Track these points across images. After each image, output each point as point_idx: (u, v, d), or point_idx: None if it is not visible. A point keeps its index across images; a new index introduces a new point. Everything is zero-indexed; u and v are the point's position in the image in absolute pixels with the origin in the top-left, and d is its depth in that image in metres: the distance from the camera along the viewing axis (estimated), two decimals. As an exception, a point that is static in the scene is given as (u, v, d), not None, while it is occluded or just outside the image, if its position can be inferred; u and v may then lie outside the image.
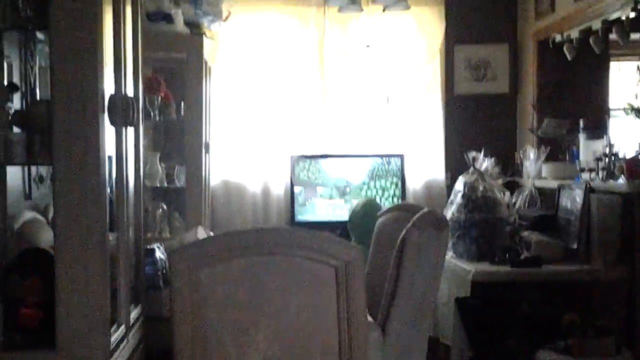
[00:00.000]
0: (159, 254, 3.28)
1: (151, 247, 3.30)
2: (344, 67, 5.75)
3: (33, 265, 2.51)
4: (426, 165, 5.77)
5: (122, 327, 2.62)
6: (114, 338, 2.47)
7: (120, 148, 2.70)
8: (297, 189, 5.56)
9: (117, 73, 2.66)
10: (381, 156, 5.66)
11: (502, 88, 5.92)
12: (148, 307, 3.13)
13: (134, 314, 2.85)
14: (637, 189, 4.17)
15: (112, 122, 2.52)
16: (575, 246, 4.46)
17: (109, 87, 2.51)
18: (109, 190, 2.54)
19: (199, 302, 2.33)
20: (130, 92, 2.86)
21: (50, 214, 3.07)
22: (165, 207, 4.87)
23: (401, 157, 5.65)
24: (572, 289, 4.47)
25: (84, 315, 2.31)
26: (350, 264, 2.38)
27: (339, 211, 5.51)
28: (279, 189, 5.66)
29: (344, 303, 2.41)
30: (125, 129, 2.74)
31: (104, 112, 2.38)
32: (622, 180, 4.31)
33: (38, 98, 3.20)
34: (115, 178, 2.71)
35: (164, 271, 3.23)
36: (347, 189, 5.57)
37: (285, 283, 2.37)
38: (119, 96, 2.60)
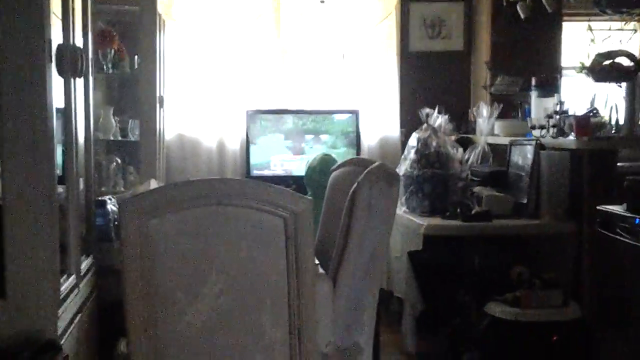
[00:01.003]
0: (111, 205, 3.28)
1: (102, 199, 3.30)
2: (300, 24, 5.73)
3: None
4: (381, 122, 5.80)
5: (73, 277, 2.62)
6: (64, 287, 2.47)
7: (69, 99, 2.67)
8: (252, 145, 5.56)
9: (65, 23, 2.62)
10: (337, 112, 5.67)
11: (456, 46, 5.96)
12: (99, 259, 3.13)
13: (84, 265, 2.85)
14: (585, 146, 4.24)
15: (60, 73, 2.49)
16: (525, 201, 4.54)
17: (56, 38, 2.48)
18: (57, 142, 2.52)
19: (149, 252, 2.34)
20: (79, 43, 2.83)
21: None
22: (119, 160, 4.86)
23: (356, 112, 5.67)
24: (522, 244, 4.56)
25: (33, 265, 2.30)
26: (299, 215, 2.40)
27: (295, 167, 5.53)
28: (234, 144, 5.66)
29: (292, 254, 2.44)
30: (74, 80, 2.71)
31: (51, 61, 2.35)
32: (571, 137, 4.38)
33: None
34: (64, 130, 2.69)
35: (116, 223, 3.23)
36: (303, 145, 5.59)
37: (234, 234, 2.39)
38: (67, 46, 2.57)
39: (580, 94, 5.33)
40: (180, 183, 2.47)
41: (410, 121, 5.54)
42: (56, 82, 2.44)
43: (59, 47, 2.46)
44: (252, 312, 2.44)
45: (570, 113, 4.57)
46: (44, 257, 2.32)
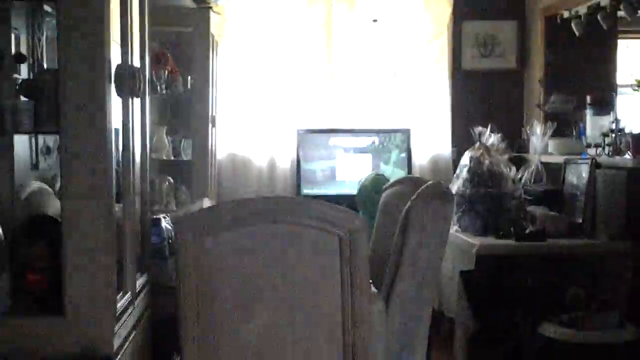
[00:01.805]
0: (165, 224, 3.31)
1: (157, 217, 3.33)
2: (352, 43, 5.74)
3: (40, 231, 2.54)
4: (432, 140, 5.78)
5: (128, 294, 2.65)
6: (120, 305, 2.49)
7: (126, 118, 2.71)
8: (304, 164, 5.57)
9: (123, 44, 2.67)
10: (388, 131, 5.66)
11: (509, 64, 5.92)
12: (154, 276, 3.16)
13: (140, 283, 2.87)
14: (642, 165, 4.18)
15: (119, 93, 2.53)
16: (580, 220, 4.48)
17: (115, 58, 2.52)
18: (115, 161, 2.56)
19: (204, 269, 2.35)
20: (136, 63, 2.87)
21: (57, 185, 3.10)
22: (171, 180, 4.90)
23: (407, 131, 5.65)
24: (577, 263, 4.49)
25: (91, 282, 2.33)
26: (354, 233, 2.39)
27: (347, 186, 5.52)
28: (285, 163, 5.68)
29: (347, 272, 2.42)
30: (132, 100, 2.75)
31: (110, 81, 2.39)
32: (628, 155, 4.32)
33: (45, 68, 3.21)
34: (122, 149, 2.73)
35: (170, 241, 3.26)
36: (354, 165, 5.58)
37: (289, 252, 2.39)
38: (125, 66, 2.61)
39: (636, 112, 5.24)
40: (237, 201, 2.49)
41: (461, 140, 5.51)
42: (115, 102, 2.48)
43: (118, 67, 2.50)
44: (306, 331, 2.43)
45: (626, 131, 4.50)
46: (102, 275, 2.35)
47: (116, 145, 2.62)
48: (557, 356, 3.93)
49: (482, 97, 5.91)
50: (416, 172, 5.65)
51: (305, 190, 5.55)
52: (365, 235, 2.43)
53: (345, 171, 5.57)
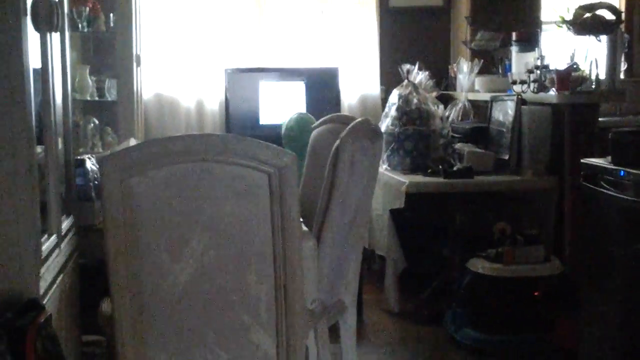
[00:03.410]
0: (90, 165, 3.23)
1: (82, 158, 3.24)
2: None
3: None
4: (361, 79, 5.75)
5: (54, 236, 2.58)
6: (45, 247, 2.43)
7: (45, 55, 2.60)
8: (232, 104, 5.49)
9: (40, -24, 2.56)
10: (316, 70, 5.62)
11: (436, 1, 5.91)
12: (80, 218, 3.09)
13: (65, 225, 2.81)
14: (566, 101, 4.24)
15: (36, 27, 2.43)
16: (506, 157, 4.54)
17: (31, -8, 2.41)
18: (35, 101, 2.46)
19: (131, 210, 2.30)
20: (54, -2, 2.76)
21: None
22: (97, 121, 4.79)
23: (336, 70, 5.62)
24: (504, 199, 4.57)
25: (13, 225, 2.26)
26: (283, 170, 2.37)
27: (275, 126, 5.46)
28: (213, 104, 5.59)
29: (277, 209, 2.40)
30: (50, 35, 2.64)
31: (26, 15, 2.28)
32: (552, 92, 4.37)
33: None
34: (42, 88, 2.63)
35: (96, 182, 3.19)
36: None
37: (218, 190, 2.35)
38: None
39: (560, 48, 5.30)
40: (162, 139, 2.43)
41: (390, 78, 5.50)
42: (31, 38, 2.38)
43: (34, 0, 2.39)
44: (237, 269, 2.41)
45: (551, 68, 4.55)
46: (24, 217, 2.28)
47: (36, 85, 2.52)
48: (485, 290, 4.00)
49: (409, 35, 5.89)
50: (345, 112, 5.62)
51: (234, 131, 5.47)
52: (294, 173, 2.41)
53: (274, 111, 5.51)
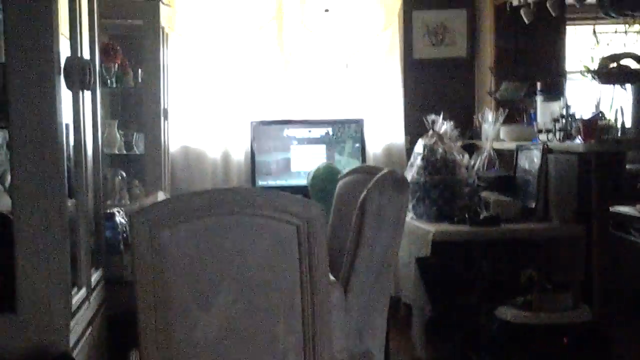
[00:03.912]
0: (119, 218, 3.27)
1: (111, 211, 3.29)
2: (303, 34, 5.73)
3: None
4: (386, 129, 5.79)
5: (83, 290, 2.61)
6: (75, 301, 2.46)
7: (77, 112, 2.67)
8: (258, 156, 5.54)
9: (72, 36, 2.63)
10: (341, 122, 5.66)
11: (460, 52, 5.95)
12: (109, 271, 3.13)
13: (94, 278, 2.84)
14: (592, 149, 4.24)
15: (69, 86, 2.49)
16: (533, 205, 4.53)
17: (64, 51, 2.48)
18: (66, 155, 2.52)
19: (160, 263, 2.32)
20: (86, 56, 2.83)
21: (8, 181, 3.04)
22: (124, 174, 4.84)
23: (361, 121, 5.66)
24: (531, 247, 4.55)
25: (44, 279, 2.30)
26: (311, 222, 2.39)
27: (301, 177, 5.50)
28: (239, 155, 5.65)
29: (305, 261, 2.42)
30: (82, 93, 2.71)
31: (59, 74, 2.35)
32: (578, 140, 4.37)
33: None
34: (73, 143, 2.69)
35: (125, 235, 3.23)
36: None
37: (246, 243, 2.38)
38: (75, 59, 2.57)
39: (585, 97, 5.32)
40: (191, 193, 2.47)
41: (415, 128, 5.53)
42: (64, 95, 2.44)
43: (68, 60, 2.46)
44: (265, 321, 2.42)
45: (576, 117, 4.56)
46: (55, 271, 2.32)
47: (67, 140, 2.58)
48: (513, 338, 3.97)
49: (434, 85, 5.94)
50: (370, 162, 5.65)
51: (260, 182, 5.52)
52: (322, 224, 2.43)
53: (300, 162, 5.55)
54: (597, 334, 3.93)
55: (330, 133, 5.59)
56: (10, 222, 2.35)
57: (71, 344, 2.34)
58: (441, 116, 4.96)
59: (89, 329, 2.64)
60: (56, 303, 2.32)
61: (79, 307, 2.51)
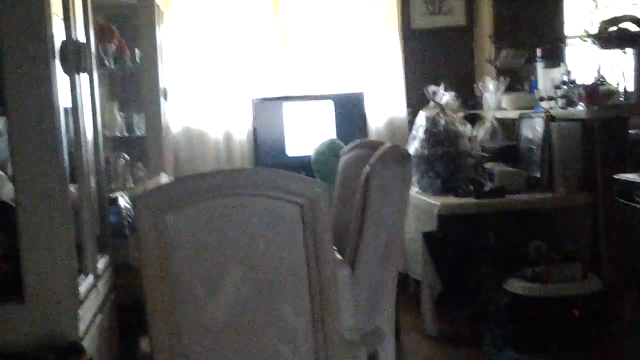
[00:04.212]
0: (123, 202, 3.25)
1: (114, 196, 3.26)
2: (300, 7, 5.68)
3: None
4: (387, 102, 5.75)
5: (90, 276, 2.60)
6: (83, 287, 2.44)
7: (75, 96, 2.64)
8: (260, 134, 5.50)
9: (66, 19, 2.59)
10: (342, 95, 5.62)
11: (458, 21, 5.89)
12: (116, 256, 3.11)
13: (101, 264, 2.82)
14: (596, 115, 4.20)
15: (65, 69, 2.46)
16: (538, 175, 4.50)
17: (59, 34, 2.44)
18: (66, 140, 2.49)
19: (166, 246, 2.30)
20: (81, 38, 2.79)
21: (10, 169, 3.02)
22: (127, 157, 4.82)
23: (361, 95, 5.62)
24: (537, 218, 4.53)
25: (50, 266, 2.28)
26: (315, 200, 2.37)
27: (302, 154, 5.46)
28: (241, 134, 5.61)
29: (311, 240, 2.40)
30: (79, 76, 2.67)
31: (55, 58, 2.31)
32: (581, 107, 4.33)
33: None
34: (73, 127, 2.66)
35: (129, 219, 3.21)
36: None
37: (251, 223, 2.35)
38: (69, 42, 2.53)
39: (585, 62, 5.27)
40: (194, 175, 2.43)
41: (416, 100, 5.49)
42: (61, 79, 2.41)
43: (62, 43, 2.42)
44: (273, 301, 2.41)
45: (578, 83, 4.52)
46: (61, 258, 2.30)
47: (67, 124, 2.55)
48: (523, 311, 3.96)
49: (433, 55, 5.89)
50: (372, 136, 5.63)
51: (263, 161, 5.49)
52: (326, 202, 2.41)
53: (302, 139, 5.52)
54: (607, 302, 3.92)
55: (332, 107, 5.55)
56: (13, 210, 2.33)
57: (80, 332, 2.33)
58: (442, 87, 4.92)
59: (98, 317, 2.62)
60: (63, 291, 2.30)
61: (87, 295, 2.49)
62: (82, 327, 2.35)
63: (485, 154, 4.84)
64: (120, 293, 3.05)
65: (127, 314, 2.96)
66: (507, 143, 4.93)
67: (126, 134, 4.95)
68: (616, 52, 4.63)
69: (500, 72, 5.37)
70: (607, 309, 3.90)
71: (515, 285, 3.98)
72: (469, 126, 4.96)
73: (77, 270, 2.42)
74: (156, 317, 2.32)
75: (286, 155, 5.50)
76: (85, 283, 2.50)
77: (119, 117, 4.90)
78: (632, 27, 4.53)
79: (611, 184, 3.82)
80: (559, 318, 3.93)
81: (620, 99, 4.47)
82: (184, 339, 2.36)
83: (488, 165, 4.68)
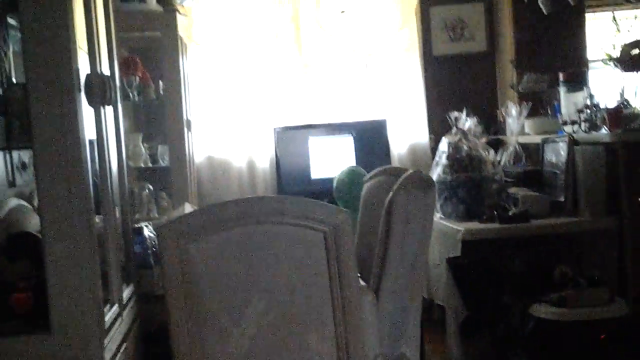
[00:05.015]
0: (148, 232, 3.27)
1: (139, 226, 3.29)
2: (321, 37, 5.72)
3: (21, 249, 2.50)
4: (409, 129, 5.76)
5: (115, 306, 2.61)
6: (108, 317, 2.46)
7: (100, 128, 2.67)
8: (283, 162, 5.53)
9: (91, 52, 2.63)
10: (364, 123, 5.64)
11: (480, 47, 5.91)
12: (140, 286, 3.13)
13: (126, 293, 2.84)
14: (619, 139, 4.19)
15: (90, 102, 2.49)
16: (562, 199, 4.48)
17: (84, 68, 2.48)
18: (91, 171, 2.52)
19: (190, 276, 2.33)
20: (106, 71, 2.83)
21: (36, 201, 3.06)
22: (151, 187, 4.85)
23: (384, 122, 5.64)
24: (562, 242, 4.50)
25: (76, 296, 2.30)
26: (338, 227, 2.38)
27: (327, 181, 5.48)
28: (264, 163, 5.64)
29: (334, 267, 2.41)
30: (104, 109, 2.71)
31: (80, 91, 2.35)
32: (604, 130, 4.32)
33: (14, 82, 3.16)
34: (98, 159, 2.69)
35: (154, 249, 3.23)
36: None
37: (275, 251, 2.37)
38: (94, 75, 2.57)
39: (608, 86, 5.26)
40: (217, 204, 2.46)
41: (438, 126, 5.50)
42: (86, 112, 2.44)
43: (87, 76, 2.46)
44: (298, 329, 2.42)
45: (600, 106, 4.51)
46: (87, 288, 2.32)
47: (92, 156, 2.58)
48: (549, 336, 3.92)
49: (455, 81, 5.90)
50: (395, 163, 5.63)
51: (286, 189, 5.51)
52: (349, 229, 2.42)
53: (325, 166, 5.53)
54: (634, 328, 3.88)
55: (354, 135, 5.57)
56: (39, 242, 2.36)
57: (106, 361, 2.34)
58: (464, 113, 4.93)
59: (124, 346, 2.63)
60: (89, 321, 2.32)
61: (112, 324, 2.51)
62: (107, 356, 2.36)
63: (509, 179, 4.83)
64: (146, 322, 3.06)
65: (152, 342, 2.97)
66: (531, 168, 4.91)
67: (150, 165, 4.99)
68: (639, 75, 4.61)
69: (523, 97, 5.37)
70: (634, 333, 3.86)
71: (541, 310, 3.95)
72: (492, 151, 4.94)
73: (103, 300, 2.43)
74: (181, 346, 2.33)
75: (309, 184, 5.51)
76: (110, 313, 2.52)
77: (143, 148, 4.95)
78: (654, 49, 4.53)
79: (636, 207, 3.80)
80: (586, 343, 3.89)
81: (644, 121, 4.45)
82: (209, 368, 2.37)
83: (512, 190, 4.66)
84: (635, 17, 5.19)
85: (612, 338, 3.89)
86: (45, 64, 2.26)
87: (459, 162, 4.66)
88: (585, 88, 4.84)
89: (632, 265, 4.12)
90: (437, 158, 4.83)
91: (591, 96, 4.61)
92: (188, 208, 3.93)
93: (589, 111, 4.52)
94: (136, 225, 3.31)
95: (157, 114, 5.09)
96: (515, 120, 5.13)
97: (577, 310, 3.88)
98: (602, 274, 4.08)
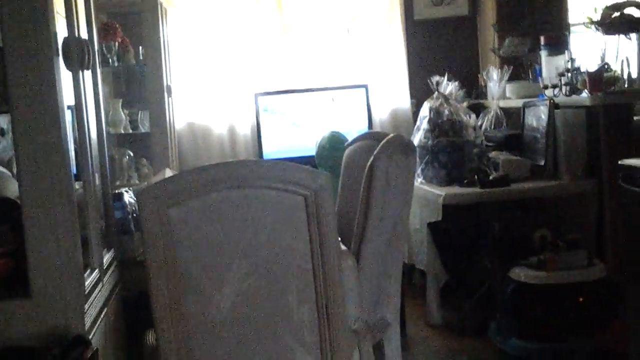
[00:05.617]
0: (128, 198, 3.26)
1: (119, 191, 3.28)
2: (303, 1, 5.68)
3: (1, 215, 2.50)
4: (391, 94, 5.75)
5: (96, 271, 2.61)
6: (88, 282, 2.46)
7: (78, 93, 2.65)
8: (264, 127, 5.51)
9: (68, 16, 2.60)
10: (345, 88, 5.63)
11: (461, 10, 5.88)
12: (121, 251, 3.13)
13: (107, 259, 2.84)
14: (600, 102, 4.20)
15: (68, 66, 2.47)
16: (542, 163, 4.50)
17: (61, 32, 2.46)
18: (71, 137, 2.50)
19: (171, 240, 2.32)
20: (84, 36, 2.81)
21: (15, 167, 3.04)
22: (131, 153, 4.84)
23: (365, 87, 5.62)
24: (542, 206, 4.53)
25: (56, 261, 2.30)
26: (319, 191, 2.38)
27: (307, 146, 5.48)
28: (245, 129, 5.62)
29: (315, 231, 2.42)
30: (82, 73, 2.69)
31: (58, 55, 2.33)
32: (585, 94, 4.33)
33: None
34: (77, 124, 2.68)
35: (134, 215, 3.22)
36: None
37: (255, 215, 2.37)
38: (72, 39, 2.55)
39: (589, 49, 5.26)
40: (197, 169, 2.45)
41: (420, 91, 5.49)
42: (65, 77, 2.42)
43: (65, 40, 2.43)
44: (278, 293, 2.42)
45: (581, 70, 4.52)
46: (67, 254, 2.32)
47: (71, 121, 2.56)
48: (528, 299, 3.95)
49: (436, 46, 5.88)
50: (377, 127, 5.62)
51: (267, 154, 5.50)
52: (330, 193, 2.42)
53: (306, 131, 5.52)
54: (613, 289, 3.92)
55: (335, 100, 5.56)
56: (19, 207, 2.35)
57: (87, 326, 2.35)
58: (446, 77, 4.93)
59: (104, 311, 2.64)
60: (69, 286, 2.32)
61: (92, 289, 2.51)
62: (88, 321, 2.37)
63: (490, 143, 4.84)
64: (126, 287, 3.07)
65: (133, 307, 2.98)
66: (512, 132, 4.92)
67: (130, 131, 4.97)
68: (620, 38, 4.62)
69: (504, 61, 5.36)
70: (613, 295, 3.90)
71: (521, 274, 3.98)
72: (473, 116, 4.95)
73: (83, 265, 2.43)
74: (162, 310, 2.34)
75: (290, 149, 5.50)
76: (90, 278, 2.52)
77: (123, 114, 4.92)
78: (635, 12, 4.52)
79: (616, 170, 3.82)
80: (566, 306, 3.92)
81: (625, 85, 4.46)
82: (190, 331, 2.37)
83: (492, 154, 4.67)
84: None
85: (592, 300, 3.93)
86: (22, 27, 2.24)
87: (440, 126, 4.67)
88: (566, 51, 4.83)
89: (610, 228, 4.16)
90: (418, 123, 4.83)
91: (572, 60, 4.60)
92: (168, 174, 3.91)
93: (570, 75, 4.52)
94: (116, 191, 3.30)
95: (137, 80, 5.06)
96: (497, 85, 5.13)
97: (556, 273, 3.91)
98: (581, 237, 4.11)
